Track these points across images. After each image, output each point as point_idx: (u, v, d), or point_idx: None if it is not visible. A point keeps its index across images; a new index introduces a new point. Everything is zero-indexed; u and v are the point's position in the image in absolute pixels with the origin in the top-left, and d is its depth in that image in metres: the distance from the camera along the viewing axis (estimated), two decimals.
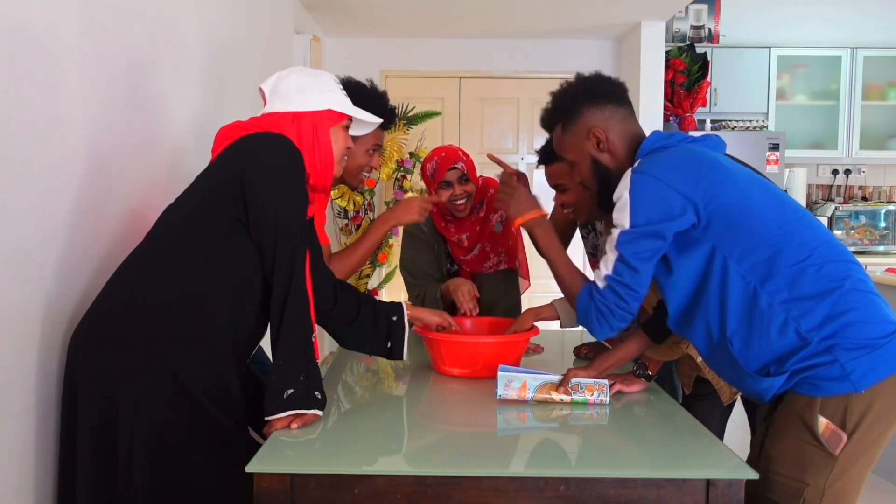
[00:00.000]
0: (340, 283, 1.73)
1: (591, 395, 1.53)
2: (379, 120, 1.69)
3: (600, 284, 1.45)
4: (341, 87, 1.60)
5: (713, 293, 1.36)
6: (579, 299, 1.51)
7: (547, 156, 1.96)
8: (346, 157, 1.62)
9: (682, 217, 1.34)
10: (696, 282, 1.39)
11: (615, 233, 1.42)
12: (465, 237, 2.38)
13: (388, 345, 1.72)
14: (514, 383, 1.54)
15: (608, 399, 1.53)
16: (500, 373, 1.56)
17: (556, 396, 1.53)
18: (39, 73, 1.38)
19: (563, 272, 1.58)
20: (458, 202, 2.29)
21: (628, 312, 1.44)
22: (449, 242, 2.41)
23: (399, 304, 1.76)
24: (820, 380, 1.28)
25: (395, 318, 1.73)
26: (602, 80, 1.57)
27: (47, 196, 1.41)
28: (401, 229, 2.58)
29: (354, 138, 1.72)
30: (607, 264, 1.43)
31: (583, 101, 1.52)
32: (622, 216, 1.39)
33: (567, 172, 1.79)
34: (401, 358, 1.73)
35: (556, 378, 1.57)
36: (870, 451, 1.31)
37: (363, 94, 1.82)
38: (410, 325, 1.75)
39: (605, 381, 1.55)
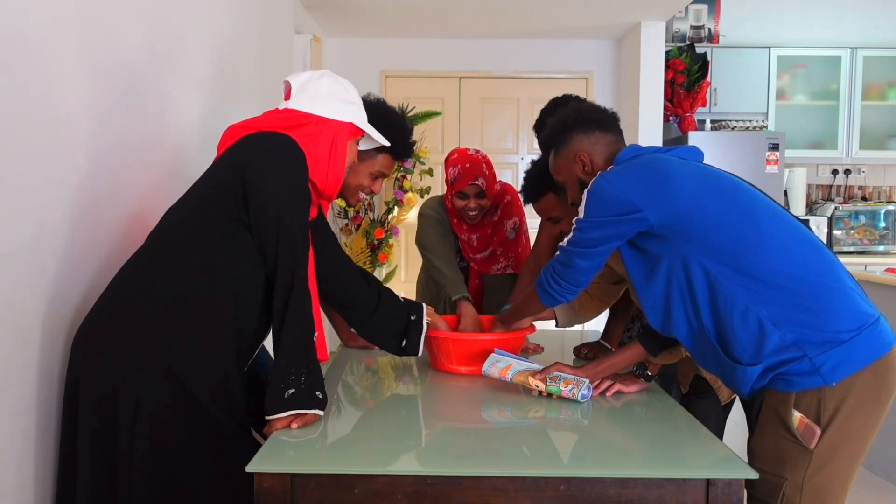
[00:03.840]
0: (364, 272, 1.79)
1: (566, 388, 1.55)
2: (385, 141, 1.69)
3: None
4: (361, 100, 1.63)
5: (682, 286, 1.43)
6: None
7: (532, 194, 1.99)
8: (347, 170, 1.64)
9: (628, 216, 1.43)
10: (663, 278, 1.46)
11: (574, 222, 1.54)
12: (476, 237, 2.42)
13: (403, 343, 1.80)
14: (499, 364, 1.65)
15: (581, 397, 1.55)
16: (492, 353, 1.67)
17: (533, 382, 1.58)
18: (39, 74, 1.38)
19: None
20: (471, 213, 2.34)
21: (567, 287, 1.57)
22: (459, 240, 2.44)
23: (420, 305, 1.82)
24: (792, 375, 1.33)
25: (413, 318, 1.79)
26: (593, 108, 1.69)
27: (48, 197, 1.41)
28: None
29: (362, 157, 1.72)
30: (561, 245, 1.56)
31: (572, 127, 1.63)
32: (580, 211, 1.51)
33: (555, 204, 1.94)
34: (415, 354, 1.82)
35: (540, 368, 1.62)
36: (850, 444, 1.33)
37: (388, 120, 1.79)
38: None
39: (585, 380, 1.57)
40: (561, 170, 1.67)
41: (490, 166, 2.34)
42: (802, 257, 1.38)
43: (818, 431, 1.31)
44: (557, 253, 1.58)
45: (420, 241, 2.42)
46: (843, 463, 1.34)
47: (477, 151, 2.36)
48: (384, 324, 1.79)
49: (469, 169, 2.29)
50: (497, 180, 2.43)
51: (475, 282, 2.47)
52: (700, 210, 1.41)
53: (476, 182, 2.28)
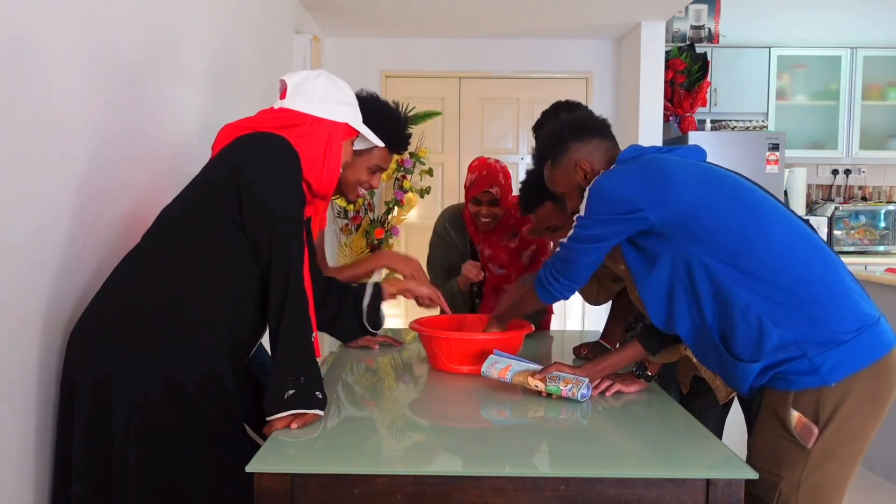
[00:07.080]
0: (327, 281, 1.81)
1: (565, 387, 1.55)
2: (380, 142, 1.70)
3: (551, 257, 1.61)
4: (356, 101, 1.64)
5: (685, 284, 1.43)
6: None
7: (529, 204, 1.97)
8: (342, 169, 1.65)
9: (630, 216, 1.44)
10: (666, 276, 1.46)
11: (574, 219, 1.54)
12: (495, 263, 2.47)
13: (367, 327, 1.86)
14: (498, 364, 1.64)
15: (581, 396, 1.54)
16: (491, 355, 1.66)
17: (532, 382, 1.58)
18: (39, 73, 1.38)
19: None
20: (484, 219, 2.39)
21: (565, 283, 1.59)
22: (481, 256, 2.50)
23: (363, 287, 1.85)
24: (791, 374, 1.33)
25: (364, 303, 1.84)
26: (586, 116, 1.70)
27: (47, 195, 1.41)
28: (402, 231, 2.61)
29: (359, 152, 1.73)
30: (562, 241, 1.57)
31: (569, 137, 1.63)
32: (582, 208, 1.52)
33: (553, 213, 1.92)
34: (378, 327, 1.89)
35: (539, 368, 1.62)
36: (849, 445, 1.34)
37: (381, 114, 1.79)
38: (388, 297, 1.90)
39: (585, 380, 1.57)
40: (559, 180, 1.65)
41: (507, 176, 2.40)
42: (804, 257, 1.38)
43: (816, 431, 1.31)
44: (557, 250, 1.58)
45: (427, 257, 2.57)
46: (841, 463, 1.34)
47: (497, 161, 2.43)
48: (348, 323, 1.84)
49: (485, 177, 2.35)
50: (514, 193, 2.45)
51: (490, 287, 2.50)
52: (704, 208, 1.41)
53: (490, 190, 2.34)
